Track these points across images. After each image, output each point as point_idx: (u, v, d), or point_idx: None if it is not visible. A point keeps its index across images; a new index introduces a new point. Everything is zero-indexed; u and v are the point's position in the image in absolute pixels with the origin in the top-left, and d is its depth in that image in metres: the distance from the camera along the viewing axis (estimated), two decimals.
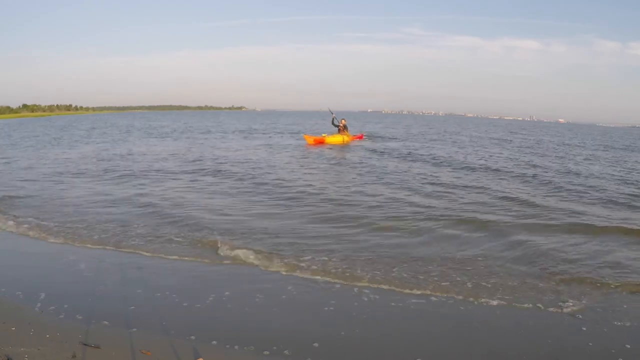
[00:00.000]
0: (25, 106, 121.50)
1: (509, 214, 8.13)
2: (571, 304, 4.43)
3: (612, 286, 4.90)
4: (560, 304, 4.43)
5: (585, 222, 7.61)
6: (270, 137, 28.03)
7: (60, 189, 10.13)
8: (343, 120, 22.66)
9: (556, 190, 10.75)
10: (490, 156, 18.34)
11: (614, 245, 6.38)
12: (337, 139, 21.67)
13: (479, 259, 5.70)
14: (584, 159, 18.95)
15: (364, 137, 25.93)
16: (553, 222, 7.59)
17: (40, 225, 6.98)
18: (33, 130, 36.40)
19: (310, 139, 21.86)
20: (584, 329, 3.98)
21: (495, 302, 4.46)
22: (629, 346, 3.69)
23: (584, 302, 4.50)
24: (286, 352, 3.54)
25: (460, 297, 4.58)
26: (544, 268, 5.41)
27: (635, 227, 7.32)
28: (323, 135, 22.32)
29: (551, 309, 4.33)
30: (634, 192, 10.95)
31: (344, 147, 20.77)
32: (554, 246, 6.24)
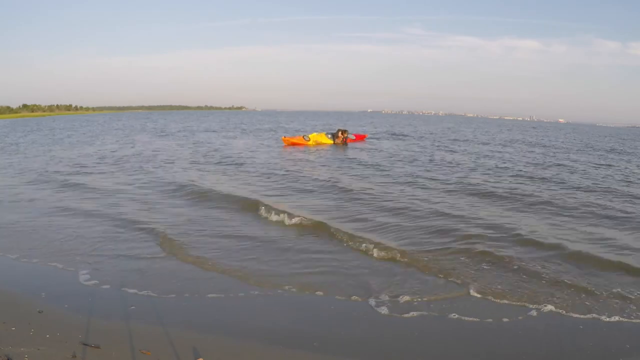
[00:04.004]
0: (25, 106, 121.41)
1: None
2: (572, 305, 4.44)
3: (616, 287, 4.90)
4: (560, 305, 4.44)
5: None
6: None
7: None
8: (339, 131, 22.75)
9: None
10: None
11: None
12: (323, 139, 21.78)
13: (488, 260, 5.70)
14: None
15: (366, 137, 25.21)
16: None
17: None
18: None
19: (288, 141, 21.49)
20: (582, 327, 3.98)
21: (495, 302, 4.47)
22: (628, 346, 3.69)
23: (584, 302, 4.50)
24: (286, 351, 3.55)
25: (460, 300, 4.58)
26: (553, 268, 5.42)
27: None
28: (310, 135, 22.15)
29: (553, 309, 4.34)
30: None
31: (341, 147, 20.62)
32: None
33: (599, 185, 11.47)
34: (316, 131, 25.29)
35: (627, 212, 8.36)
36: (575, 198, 9.59)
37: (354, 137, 23.53)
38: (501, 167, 14.51)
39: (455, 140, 27.18)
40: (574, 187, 11.04)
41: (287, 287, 4.75)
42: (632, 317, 4.19)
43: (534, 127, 66.03)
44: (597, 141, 33.73)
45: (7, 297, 4.37)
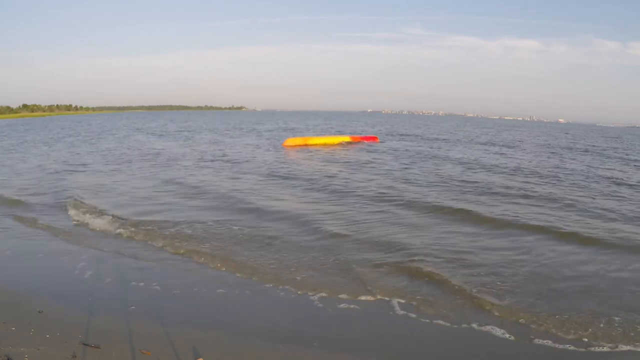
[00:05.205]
0: (25, 106, 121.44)
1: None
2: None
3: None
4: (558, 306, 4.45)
5: None
6: None
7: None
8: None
9: None
10: None
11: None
12: (322, 140, 22.03)
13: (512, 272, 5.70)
14: None
15: (377, 140, 24.36)
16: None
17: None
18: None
19: (291, 142, 21.35)
20: (581, 327, 3.98)
21: (495, 308, 4.48)
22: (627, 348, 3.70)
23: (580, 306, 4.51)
24: (286, 351, 3.55)
25: (458, 311, 4.58)
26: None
27: None
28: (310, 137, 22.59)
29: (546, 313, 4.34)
30: None
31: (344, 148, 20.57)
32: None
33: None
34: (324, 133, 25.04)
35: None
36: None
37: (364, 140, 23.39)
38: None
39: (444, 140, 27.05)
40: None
41: None
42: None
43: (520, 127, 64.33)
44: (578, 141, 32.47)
45: (7, 297, 4.37)
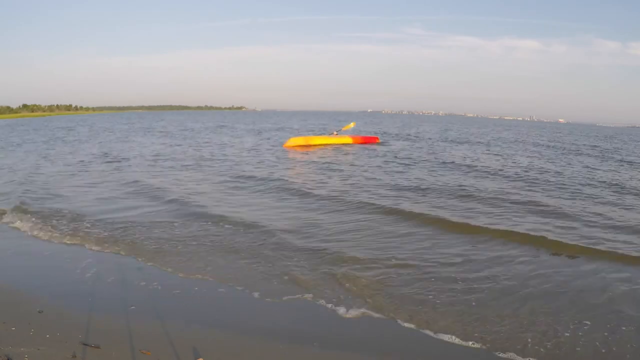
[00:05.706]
0: (25, 106, 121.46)
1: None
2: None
3: None
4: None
5: None
6: None
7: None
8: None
9: None
10: None
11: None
12: (325, 140, 22.05)
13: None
14: None
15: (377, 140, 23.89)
16: None
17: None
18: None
19: (292, 142, 21.09)
20: (580, 325, 3.99)
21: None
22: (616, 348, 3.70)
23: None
24: (286, 351, 3.55)
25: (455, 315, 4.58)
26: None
27: None
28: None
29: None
30: None
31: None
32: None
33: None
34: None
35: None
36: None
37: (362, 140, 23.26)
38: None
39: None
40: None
41: None
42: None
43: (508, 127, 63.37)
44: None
45: (8, 297, 4.37)
